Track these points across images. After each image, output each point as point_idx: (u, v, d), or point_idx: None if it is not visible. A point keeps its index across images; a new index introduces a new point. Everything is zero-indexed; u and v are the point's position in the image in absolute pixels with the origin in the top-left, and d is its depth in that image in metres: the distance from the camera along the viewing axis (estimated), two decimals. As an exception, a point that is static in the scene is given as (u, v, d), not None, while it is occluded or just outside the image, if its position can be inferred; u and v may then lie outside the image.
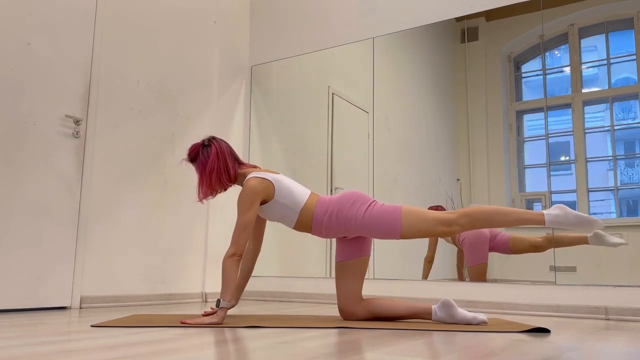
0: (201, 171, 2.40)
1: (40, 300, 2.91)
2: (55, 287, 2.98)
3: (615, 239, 2.86)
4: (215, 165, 2.38)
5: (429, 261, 3.47)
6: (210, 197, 2.44)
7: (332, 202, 2.39)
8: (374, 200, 2.39)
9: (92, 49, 3.29)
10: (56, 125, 3.06)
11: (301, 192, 2.42)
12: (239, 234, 2.26)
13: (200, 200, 2.41)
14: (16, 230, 2.83)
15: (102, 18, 3.36)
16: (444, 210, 3.47)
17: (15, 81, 2.90)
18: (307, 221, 2.39)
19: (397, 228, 2.28)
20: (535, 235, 3.16)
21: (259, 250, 2.65)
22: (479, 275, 3.25)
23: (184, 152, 3.81)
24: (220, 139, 2.47)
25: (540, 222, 2.22)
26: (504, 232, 3.27)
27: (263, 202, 2.37)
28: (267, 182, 2.34)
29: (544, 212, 2.22)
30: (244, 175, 2.43)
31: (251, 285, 4.07)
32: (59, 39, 3.12)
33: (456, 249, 3.43)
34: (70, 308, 3.04)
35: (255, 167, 2.49)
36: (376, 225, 2.30)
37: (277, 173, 2.43)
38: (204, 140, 2.44)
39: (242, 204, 2.29)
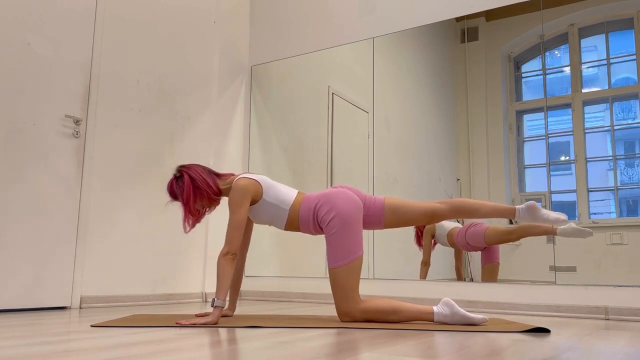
0: (182, 199, 2.40)
1: (40, 300, 2.91)
2: (55, 287, 2.98)
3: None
4: (199, 185, 2.39)
5: (425, 264, 3.49)
6: (197, 222, 2.45)
7: (317, 198, 2.39)
8: (347, 215, 2.31)
9: (92, 49, 3.29)
10: (56, 125, 3.06)
11: (288, 191, 2.45)
12: (232, 232, 2.30)
13: (187, 230, 2.41)
14: (16, 230, 2.83)
15: (102, 18, 3.36)
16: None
17: (15, 81, 2.90)
18: (294, 219, 2.41)
19: (342, 261, 2.29)
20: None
21: (245, 257, 2.68)
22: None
23: (184, 152, 3.81)
24: (189, 164, 2.49)
25: (429, 319, 2.23)
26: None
27: (252, 203, 2.40)
28: (254, 181, 2.39)
29: (434, 308, 2.23)
30: (229, 183, 2.46)
31: (251, 285, 4.07)
32: (59, 39, 3.12)
33: (453, 250, 3.44)
34: (70, 308, 3.04)
35: (233, 174, 2.53)
36: (331, 247, 2.31)
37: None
38: (174, 174, 2.46)
39: (233, 203, 2.33)
